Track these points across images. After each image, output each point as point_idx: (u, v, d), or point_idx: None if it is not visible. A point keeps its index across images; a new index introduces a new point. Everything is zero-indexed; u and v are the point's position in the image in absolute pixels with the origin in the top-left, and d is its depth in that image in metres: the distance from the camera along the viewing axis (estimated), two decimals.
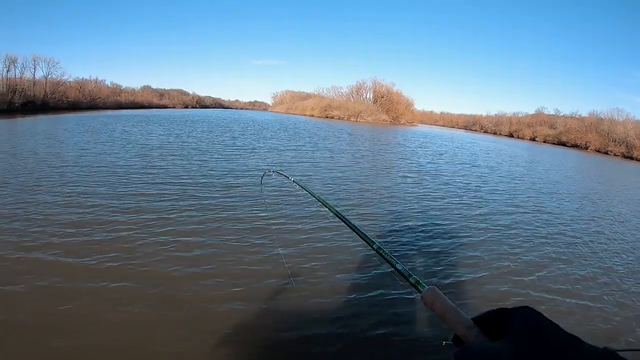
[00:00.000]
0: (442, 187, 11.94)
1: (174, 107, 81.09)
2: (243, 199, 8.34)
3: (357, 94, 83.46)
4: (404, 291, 4.71)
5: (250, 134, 25.79)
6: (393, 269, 0.88)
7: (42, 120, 27.16)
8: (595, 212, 10.98)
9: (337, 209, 1.36)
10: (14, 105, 36.08)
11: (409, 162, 17.77)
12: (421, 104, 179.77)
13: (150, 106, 71.43)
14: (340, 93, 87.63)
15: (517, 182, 14.99)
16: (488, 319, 0.58)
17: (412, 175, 13.56)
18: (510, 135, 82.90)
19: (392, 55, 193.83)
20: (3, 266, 4.68)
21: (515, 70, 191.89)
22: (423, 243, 6.57)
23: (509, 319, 0.54)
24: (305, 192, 1.79)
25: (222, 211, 7.38)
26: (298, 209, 7.82)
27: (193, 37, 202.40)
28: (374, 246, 1.00)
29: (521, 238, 7.47)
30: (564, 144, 64.59)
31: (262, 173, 4.14)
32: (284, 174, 2.60)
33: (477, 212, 9.06)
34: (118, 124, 26.65)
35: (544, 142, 70.49)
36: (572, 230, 8.64)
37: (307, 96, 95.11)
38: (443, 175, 14.47)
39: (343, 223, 1.24)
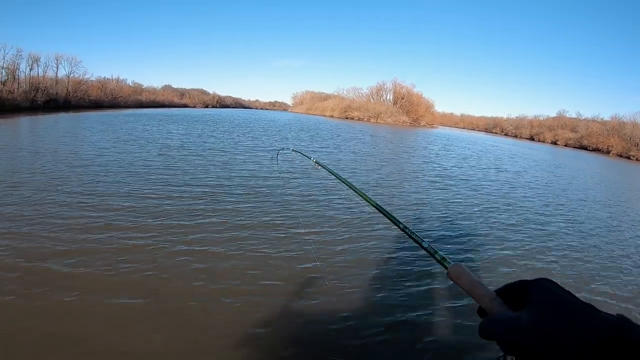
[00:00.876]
0: (471, 192, 11.57)
1: (194, 107, 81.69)
2: (266, 198, 8.20)
3: (377, 95, 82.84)
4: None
5: (272, 134, 25.77)
6: (420, 247, 0.91)
7: (63, 118, 27.92)
8: (628, 221, 10.47)
9: (363, 191, 1.34)
10: (37, 103, 36.96)
11: (435, 165, 17.35)
12: (441, 106, 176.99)
13: (171, 105, 72.24)
14: (360, 94, 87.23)
15: (546, 188, 14.44)
16: (510, 290, 0.60)
17: (439, 180, 13.20)
18: (531, 139, 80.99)
19: (412, 55, 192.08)
20: (15, 276, 4.41)
21: (536, 73, 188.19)
22: (459, 251, 6.31)
23: (528, 290, 0.56)
24: (331, 174, 1.80)
25: (249, 213, 7.24)
26: (323, 196, 7.60)
27: (214, 37, 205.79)
28: (401, 226, 1.02)
29: (559, 252, 7.08)
30: (585, 148, 62.69)
31: (277, 151, 4.14)
32: (305, 154, 2.53)
33: (511, 222, 8.66)
34: (139, 122, 27.22)
35: (565, 145, 68.64)
36: (610, 242, 8.20)
37: (327, 97, 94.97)
38: (470, 180, 14.05)
39: (370, 206, 1.26)
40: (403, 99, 77.21)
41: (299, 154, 2.77)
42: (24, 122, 24.21)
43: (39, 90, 38.64)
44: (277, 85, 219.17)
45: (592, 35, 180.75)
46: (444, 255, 0.82)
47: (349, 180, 1.56)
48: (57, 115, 30.44)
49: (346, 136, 30.08)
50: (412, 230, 0.97)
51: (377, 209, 1.21)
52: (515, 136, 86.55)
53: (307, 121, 51.01)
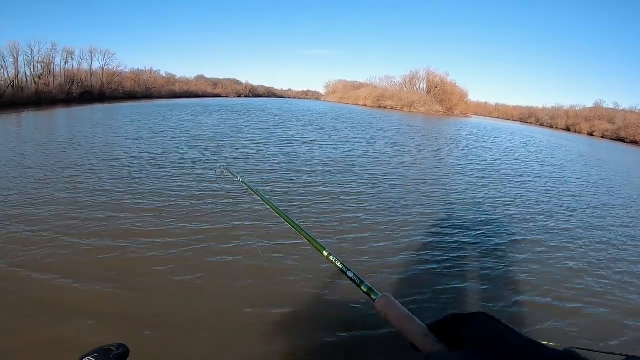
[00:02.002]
0: (522, 191, 11.03)
1: (227, 96, 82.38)
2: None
3: (411, 83, 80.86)
4: None
5: (306, 124, 25.62)
6: (345, 276, 0.85)
7: (98, 109, 28.90)
8: None
9: (286, 213, 1.25)
10: (72, 95, 38.39)
11: (478, 158, 16.63)
12: (475, 95, 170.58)
13: (204, 95, 73.04)
14: (393, 83, 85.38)
15: (600, 188, 13.53)
16: (444, 326, 0.57)
17: (486, 176, 12.66)
18: (567, 129, 76.85)
19: (446, 41, 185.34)
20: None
21: (573, 61, 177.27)
22: (514, 260, 5.99)
23: (464, 326, 0.52)
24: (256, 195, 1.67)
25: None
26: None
27: (246, 27, 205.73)
28: (325, 252, 0.94)
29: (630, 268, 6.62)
30: (622, 140, 58.69)
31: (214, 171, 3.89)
32: (232, 172, 2.34)
33: (568, 226, 8.18)
34: (173, 112, 27.71)
35: (602, 137, 64.66)
36: None
37: (360, 86, 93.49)
38: (520, 176, 13.36)
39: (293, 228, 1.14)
40: (436, 87, 75.02)
41: (228, 172, 2.47)
42: (60, 113, 25.39)
43: (74, 82, 40.21)
44: (309, 74, 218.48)
45: (629, 24, 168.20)
46: (371, 287, 0.77)
47: (274, 204, 1.43)
48: (92, 106, 31.62)
49: (382, 126, 29.56)
50: (338, 258, 0.91)
51: (300, 232, 1.08)
52: (551, 126, 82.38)
53: (341, 110, 50.45)
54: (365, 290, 0.79)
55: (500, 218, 8.12)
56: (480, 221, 7.75)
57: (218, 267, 4.80)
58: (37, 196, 7.00)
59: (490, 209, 8.80)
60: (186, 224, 6.06)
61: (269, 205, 1.44)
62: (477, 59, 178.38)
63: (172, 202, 7.06)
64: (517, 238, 6.96)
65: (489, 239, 6.74)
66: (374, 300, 0.72)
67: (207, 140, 15.15)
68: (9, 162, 9.77)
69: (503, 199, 9.83)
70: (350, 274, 0.85)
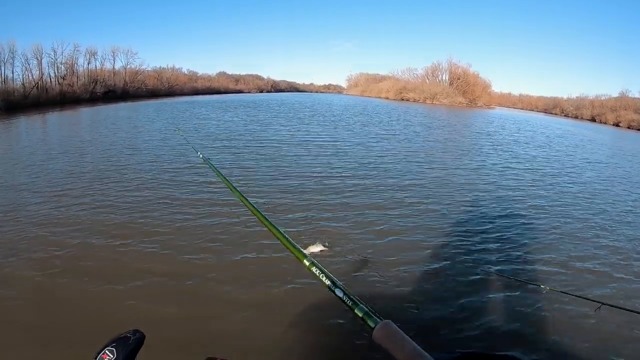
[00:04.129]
0: (579, 196, 9.64)
1: (249, 92, 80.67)
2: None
3: (433, 75, 77.88)
4: None
5: (337, 118, 24.45)
6: (334, 295, 0.64)
7: (121, 108, 28.84)
8: None
9: (265, 215, 1.08)
10: (96, 94, 38.36)
11: (514, 155, 15.16)
12: (498, 86, 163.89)
13: (226, 91, 71.48)
14: (415, 75, 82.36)
15: None
16: None
17: (529, 174, 11.28)
18: (592, 120, 72.61)
19: (468, 31, 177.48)
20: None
21: (597, 50, 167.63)
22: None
23: None
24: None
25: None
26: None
27: (267, 21, 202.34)
28: (306, 261, 0.73)
29: None
30: None
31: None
32: (194, 146, 1.80)
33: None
34: (195, 109, 27.29)
35: (628, 127, 60.66)
36: None
37: (382, 78, 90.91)
38: (572, 179, 11.87)
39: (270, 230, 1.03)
40: (459, 79, 71.97)
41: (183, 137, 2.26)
42: (84, 112, 25.55)
43: (97, 82, 40.15)
44: (331, 68, 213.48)
45: None
46: (369, 311, 0.58)
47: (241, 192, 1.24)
48: (116, 104, 31.63)
49: (410, 120, 28.03)
50: (322, 268, 0.68)
51: (278, 237, 0.90)
52: (576, 117, 78.14)
53: (364, 104, 48.84)
54: (360, 315, 0.58)
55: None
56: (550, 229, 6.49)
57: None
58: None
59: (535, 215, 7.49)
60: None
61: (230, 188, 1.30)
62: (500, 49, 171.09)
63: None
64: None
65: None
66: (372, 329, 0.55)
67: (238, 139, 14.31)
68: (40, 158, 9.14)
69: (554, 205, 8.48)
70: (339, 293, 0.62)
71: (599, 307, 2.13)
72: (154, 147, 11.89)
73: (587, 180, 11.51)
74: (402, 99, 69.38)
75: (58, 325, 3.38)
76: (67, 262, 4.50)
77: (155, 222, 5.76)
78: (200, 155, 2.68)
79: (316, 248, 4.16)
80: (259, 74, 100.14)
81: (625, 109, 67.71)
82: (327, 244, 4.43)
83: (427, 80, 76.80)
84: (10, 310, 3.58)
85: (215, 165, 1.49)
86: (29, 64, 34.31)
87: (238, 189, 1.37)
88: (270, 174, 9.05)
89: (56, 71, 37.04)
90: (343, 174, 9.35)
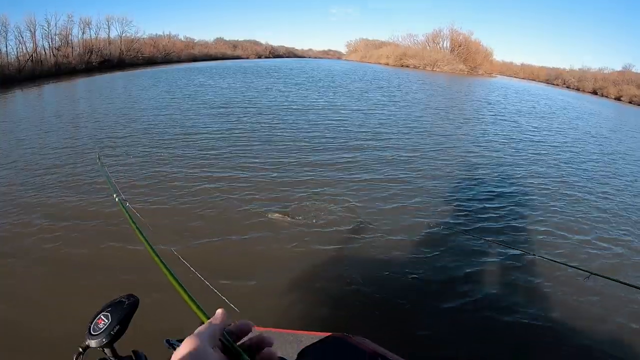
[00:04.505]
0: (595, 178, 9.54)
1: (247, 58, 77.63)
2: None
3: (434, 42, 75.77)
4: None
5: (330, 88, 23.86)
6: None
7: (117, 77, 28.18)
8: None
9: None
10: (92, 64, 37.08)
11: (522, 127, 14.94)
12: (500, 54, 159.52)
13: (223, 57, 68.65)
14: (415, 41, 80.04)
15: None
16: None
17: (545, 151, 11.13)
18: (594, 93, 71.57)
19: None
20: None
21: (601, 21, 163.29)
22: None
23: None
24: None
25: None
26: None
27: None
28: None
29: None
30: None
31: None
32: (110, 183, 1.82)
33: None
34: (195, 75, 26.63)
35: (630, 102, 59.84)
36: None
37: (382, 44, 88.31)
38: (573, 153, 11.74)
39: None
40: (460, 46, 70.10)
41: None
42: (81, 83, 25.05)
43: (93, 52, 38.70)
44: (331, 34, 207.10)
45: None
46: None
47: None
48: (112, 74, 30.86)
49: (411, 87, 27.45)
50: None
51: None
52: (577, 89, 77.08)
53: (363, 69, 47.74)
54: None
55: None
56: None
57: None
58: None
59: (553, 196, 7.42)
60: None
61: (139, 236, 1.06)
62: (501, 17, 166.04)
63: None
64: None
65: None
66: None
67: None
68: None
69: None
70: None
71: (588, 277, 2.14)
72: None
73: (590, 154, 11.40)
74: (402, 66, 67.85)
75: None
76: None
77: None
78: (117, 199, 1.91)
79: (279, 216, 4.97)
80: (257, 40, 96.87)
81: (628, 84, 66.69)
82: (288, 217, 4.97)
83: (428, 47, 74.87)
84: None
85: (129, 210, 1.22)
86: (22, 37, 32.72)
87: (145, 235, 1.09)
88: (268, 140, 8.88)
89: (50, 43, 35.48)
90: (340, 144, 9.19)
